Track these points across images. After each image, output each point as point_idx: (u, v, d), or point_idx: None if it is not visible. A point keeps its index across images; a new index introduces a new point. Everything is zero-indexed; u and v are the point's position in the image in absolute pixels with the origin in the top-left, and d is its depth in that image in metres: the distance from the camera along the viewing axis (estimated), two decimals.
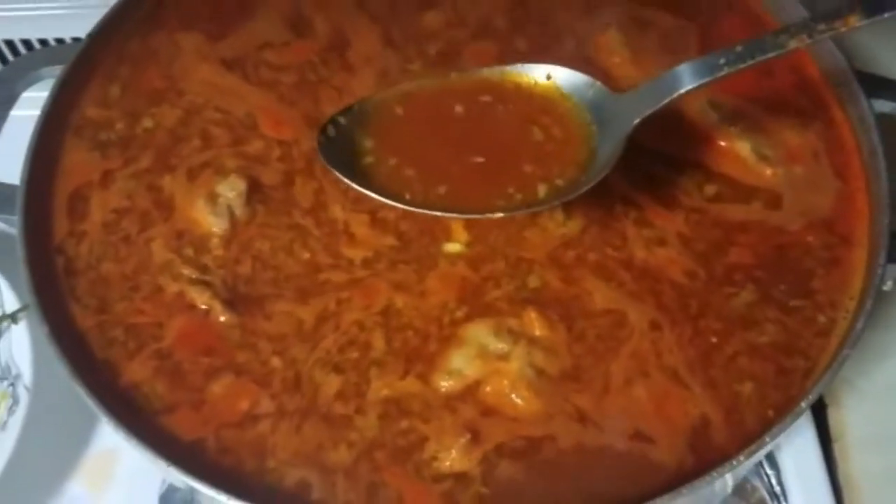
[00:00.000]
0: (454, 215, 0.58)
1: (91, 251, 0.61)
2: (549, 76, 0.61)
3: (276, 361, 0.56)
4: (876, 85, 0.65)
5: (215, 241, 0.61)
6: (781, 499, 0.72)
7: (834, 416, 0.76)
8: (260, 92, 0.68)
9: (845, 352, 0.54)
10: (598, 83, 0.59)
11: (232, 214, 0.61)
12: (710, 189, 0.63)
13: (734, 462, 0.50)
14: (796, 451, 0.73)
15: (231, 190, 0.61)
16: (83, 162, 0.64)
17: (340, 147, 0.59)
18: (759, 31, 0.70)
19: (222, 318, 0.57)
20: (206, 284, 0.58)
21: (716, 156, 0.64)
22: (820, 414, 0.76)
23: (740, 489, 0.72)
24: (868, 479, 0.73)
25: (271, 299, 0.58)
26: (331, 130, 0.59)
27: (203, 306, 0.58)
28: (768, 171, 0.63)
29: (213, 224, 0.61)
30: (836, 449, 0.75)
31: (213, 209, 0.61)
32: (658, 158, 0.62)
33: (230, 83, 0.68)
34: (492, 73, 0.62)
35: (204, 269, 0.60)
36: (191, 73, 0.68)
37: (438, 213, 0.57)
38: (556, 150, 0.59)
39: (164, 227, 0.61)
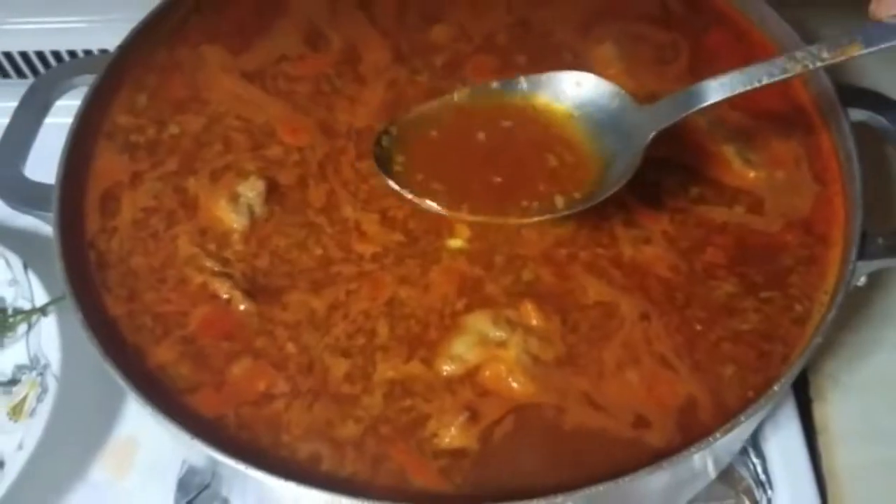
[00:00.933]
0: (481, 218, 0.62)
1: (121, 246, 0.65)
2: (579, 83, 0.64)
3: (290, 347, 0.61)
4: (852, 94, 0.69)
5: (236, 236, 0.65)
6: (767, 487, 0.75)
7: (819, 410, 0.80)
8: (278, 101, 0.72)
9: (817, 339, 0.58)
10: (623, 92, 0.63)
11: (252, 213, 0.66)
12: (695, 190, 0.67)
13: (710, 439, 0.54)
14: (782, 442, 0.77)
15: (251, 190, 0.66)
16: (114, 164, 0.69)
17: (381, 157, 0.63)
18: (745, 43, 0.75)
19: (242, 307, 0.62)
20: (228, 276, 0.63)
21: (702, 159, 0.68)
22: (806, 408, 0.80)
23: (728, 477, 0.75)
24: (851, 470, 0.77)
25: (287, 290, 0.63)
26: (385, 141, 0.64)
27: (225, 296, 0.62)
28: (752, 175, 0.68)
29: (235, 221, 0.65)
30: (821, 441, 0.78)
31: (235, 208, 0.66)
32: (646, 161, 0.67)
33: (250, 93, 0.73)
34: (520, 84, 0.65)
35: (225, 262, 0.64)
36: (214, 83, 0.73)
37: (469, 217, 0.62)
38: (569, 174, 0.63)
39: (188, 224, 0.66)
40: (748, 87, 0.59)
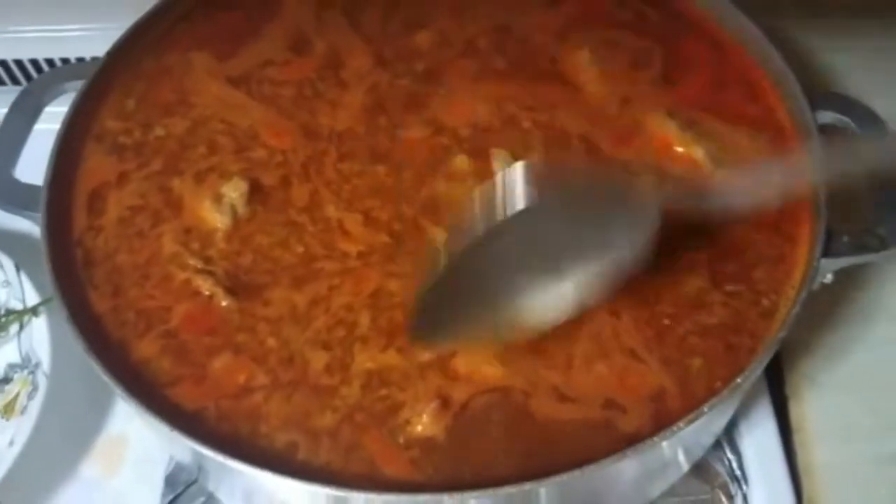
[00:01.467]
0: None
1: (107, 244, 0.67)
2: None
3: (271, 341, 0.62)
4: (820, 98, 0.71)
5: (219, 235, 0.67)
6: (742, 482, 0.77)
7: (795, 409, 0.81)
8: (262, 106, 0.74)
9: (781, 334, 0.60)
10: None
11: (235, 212, 0.68)
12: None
13: (674, 428, 0.55)
14: (757, 439, 0.78)
15: (234, 190, 0.68)
16: (101, 165, 0.71)
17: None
18: (719, 51, 0.77)
19: (224, 304, 0.64)
20: (210, 273, 0.65)
21: (673, 160, 0.70)
22: (782, 406, 0.81)
23: (704, 472, 0.77)
24: (826, 467, 0.78)
25: (269, 287, 0.65)
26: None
27: (207, 293, 0.64)
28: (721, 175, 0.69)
29: (218, 221, 0.67)
30: (797, 439, 0.79)
31: (218, 207, 0.67)
32: (617, 164, 0.69)
33: (235, 98, 0.75)
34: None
35: (208, 260, 0.66)
36: (200, 88, 0.75)
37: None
38: None
39: (173, 223, 0.68)
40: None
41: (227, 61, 0.77)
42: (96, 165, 0.71)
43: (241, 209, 0.68)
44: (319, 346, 0.62)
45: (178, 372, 0.61)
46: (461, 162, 0.70)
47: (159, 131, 0.72)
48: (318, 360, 0.61)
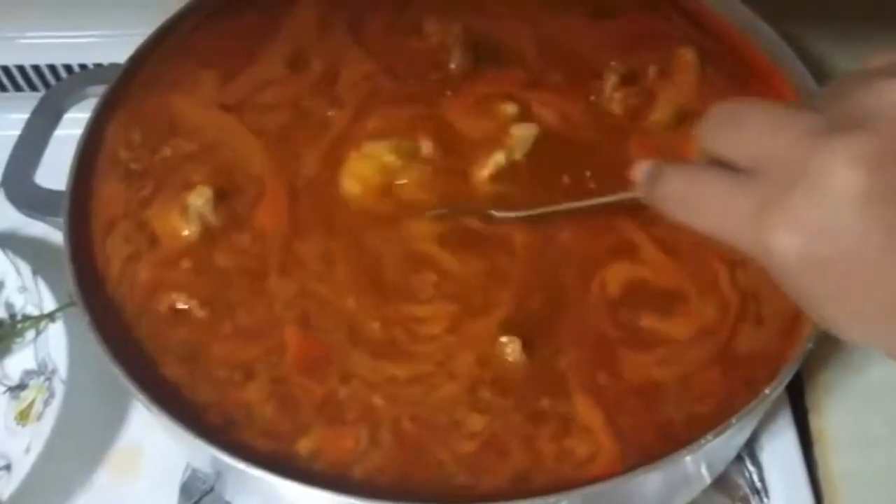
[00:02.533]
0: None
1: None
2: None
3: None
4: None
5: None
6: (763, 495, 0.76)
7: (815, 420, 0.81)
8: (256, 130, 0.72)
9: (808, 345, 0.59)
10: None
11: (204, 221, 0.66)
12: None
13: (702, 441, 0.55)
14: (777, 451, 0.78)
15: (200, 197, 0.66)
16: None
17: None
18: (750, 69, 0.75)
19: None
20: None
21: None
22: (802, 418, 0.81)
23: (725, 485, 0.76)
24: (846, 479, 0.77)
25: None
26: None
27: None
28: None
29: (186, 229, 0.66)
30: (817, 450, 0.79)
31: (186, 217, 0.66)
32: None
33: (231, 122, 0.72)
34: None
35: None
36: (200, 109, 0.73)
37: None
38: None
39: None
40: None
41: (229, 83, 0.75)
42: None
43: (211, 217, 0.66)
44: None
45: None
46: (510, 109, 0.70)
47: (166, 151, 0.71)
48: None
